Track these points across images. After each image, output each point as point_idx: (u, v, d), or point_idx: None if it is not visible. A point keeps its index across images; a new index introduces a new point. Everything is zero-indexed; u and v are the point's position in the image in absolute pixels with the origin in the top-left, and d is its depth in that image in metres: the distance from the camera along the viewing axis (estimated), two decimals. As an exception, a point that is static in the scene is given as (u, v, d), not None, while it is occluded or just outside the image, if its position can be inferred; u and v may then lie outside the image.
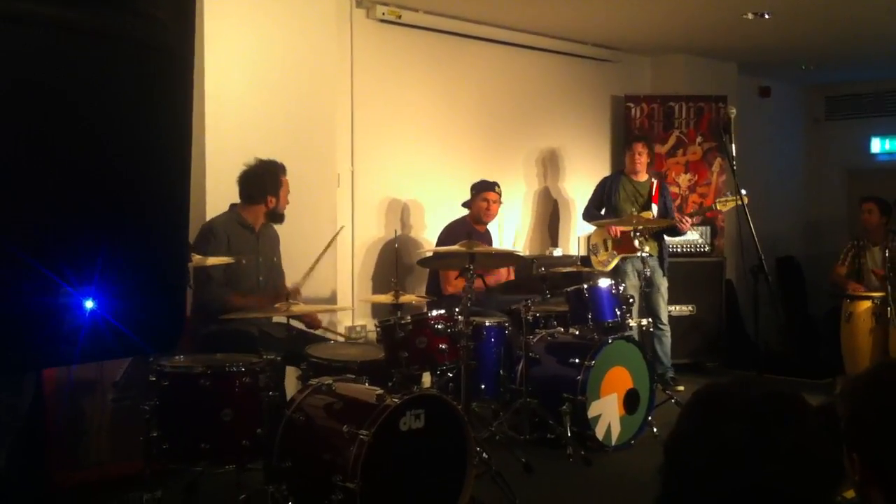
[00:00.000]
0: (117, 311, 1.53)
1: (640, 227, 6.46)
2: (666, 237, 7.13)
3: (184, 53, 1.67)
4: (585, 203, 7.42)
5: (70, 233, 1.47)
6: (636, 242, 6.53)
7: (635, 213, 6.84)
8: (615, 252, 6.91)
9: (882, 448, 1.67)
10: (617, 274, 6.77)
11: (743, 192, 6.09)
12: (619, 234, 6.86)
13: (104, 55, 1.54)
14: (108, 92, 1.55)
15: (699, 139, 8.60)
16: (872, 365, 2.06)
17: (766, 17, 7.20)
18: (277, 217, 5.18)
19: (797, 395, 1.58)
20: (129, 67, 1.58)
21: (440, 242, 6.46)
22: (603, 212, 7.14)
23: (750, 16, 7.20)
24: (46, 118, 1.43)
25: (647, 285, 6.71)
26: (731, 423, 1.51)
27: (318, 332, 5.29)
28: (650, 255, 6.89)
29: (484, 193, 6.45)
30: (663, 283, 7.06)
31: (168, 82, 1.65)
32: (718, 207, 6.56)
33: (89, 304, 1.51)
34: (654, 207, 6.97)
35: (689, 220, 6.91)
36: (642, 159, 7.02)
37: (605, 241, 7.03)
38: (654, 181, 7.11)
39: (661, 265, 7.04)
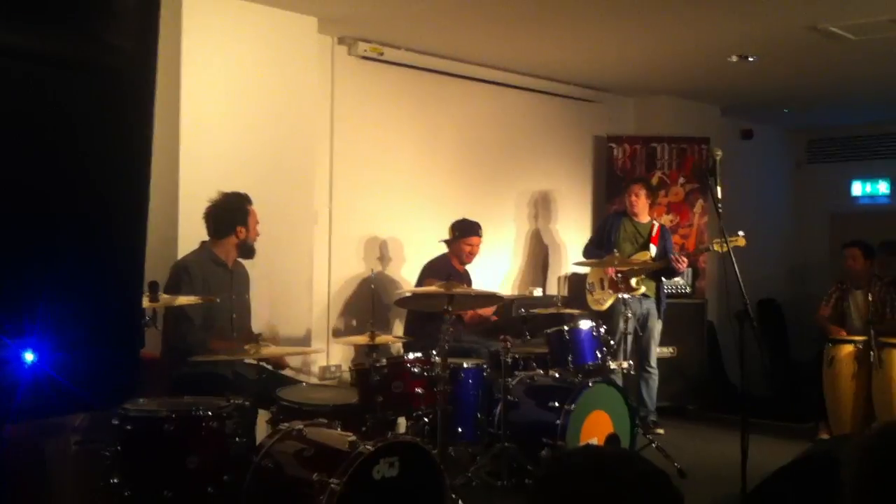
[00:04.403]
0: (60, 364, 1.40)
1: (635, 268, 6.39)
2: (664, 279, 7.06)
3: (144, 81, 1.55)
4: (569, 242, 7.30)
5: (6, 278, 1.35)
6: (632, 282, 6.45)
7: (631, 253, 6.77)
8: (611, 291, 6.81)
9: None
10: (612, 313, 6.66)
11: (741, 233, 6.02)
12: (615, 274, 6.76)
13: (55, 81, 1.43)
14: (57, 121, 1.44)
15: (681, 180, 8.56)
16: (880, 426, 1.97)
17: (751, 59, 7.19)
18: (248, 250, 5.06)
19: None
20: (83, 95, 1.47)
21: (420, 281, 6.35)
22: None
23: (734, 58, 7.19)
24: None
25: (641, 327, 6.62)
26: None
27: (287, 372, 5.16)
28: (646, 296, 6.82)
29: (469, 238, 6.38)
30: (657, 326, 6.97)
31: (126, 111, 1.53)
32: (716, 248, 6.40)
33: (29, 356, 1.38)
34: (653, 248, 6.89)
35: (685, 260, 6.82)
36: (640, 201, 6.96)
37: (601, 280, 6.94)
38: (656, 224, 7.05)
39: (658, 306, 6.96)
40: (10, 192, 1.36)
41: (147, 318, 4.04)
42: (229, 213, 4.97)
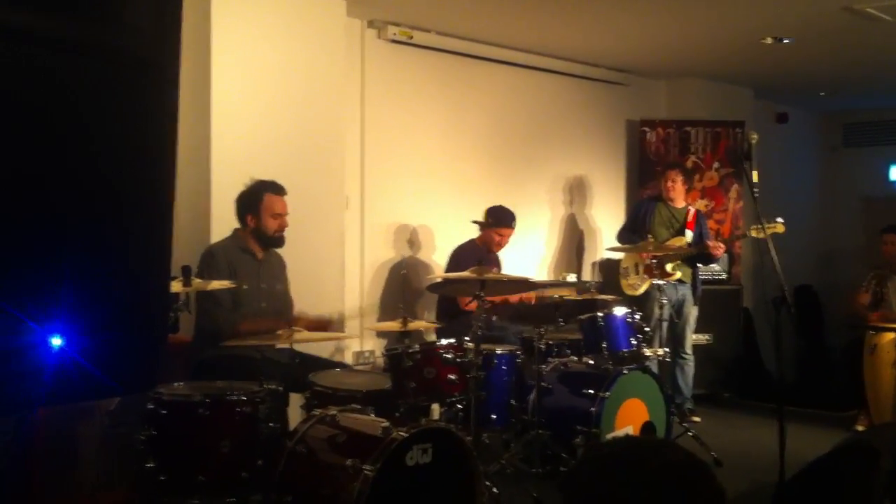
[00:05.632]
0: (87, 350, 1.38)
1: (671, 253, 6.33)
2: (699, 264, 6.97)
3: (168, 66, 1.52)
4: (603, 228, 7.21)
5: (33, 263, 1.32)
6: (668, 267, 6.38)
7: (666, 238, 6.70)
8: (646, 276, 6.73)
9: None
10: (647, 299, 6.59)
11: (779, 219, 5.92)
12: (650, 259, 6.69)
13: (79, 67, 1.40)
14: (82, 108, 1.41)
15: (716, 165, 8.46)
16: None
17: (785, 41, 7.07)
18: (266, 240, 4.96)
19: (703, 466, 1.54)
20: (107, 81, 1.44)
21: (451, 265, 6.31)
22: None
23: (769, 40, 7.08)
24: (8, 136, 1.29)
25: (677, 313, 6.55)
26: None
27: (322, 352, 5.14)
28: (682, 282, 6.74)
29: (501, 228, 6.34)
30: (693, 312, 6.89)
31: (150, 98, 1.50)
32: (753, 234, 6.28)
33: (56, 341, 1.36)
34: (689, 233, 6.80)
35: (722, 246, 6.75)
36: (676, 186, 6.88)
37: (636, 265, 6.86)
38: (692, 209, 6.97)
39: (694, 293, 6.88)
40: (35, 179, 1.34)
41: (180, 302, 4.04)
42: (239, 202, 4.93)
